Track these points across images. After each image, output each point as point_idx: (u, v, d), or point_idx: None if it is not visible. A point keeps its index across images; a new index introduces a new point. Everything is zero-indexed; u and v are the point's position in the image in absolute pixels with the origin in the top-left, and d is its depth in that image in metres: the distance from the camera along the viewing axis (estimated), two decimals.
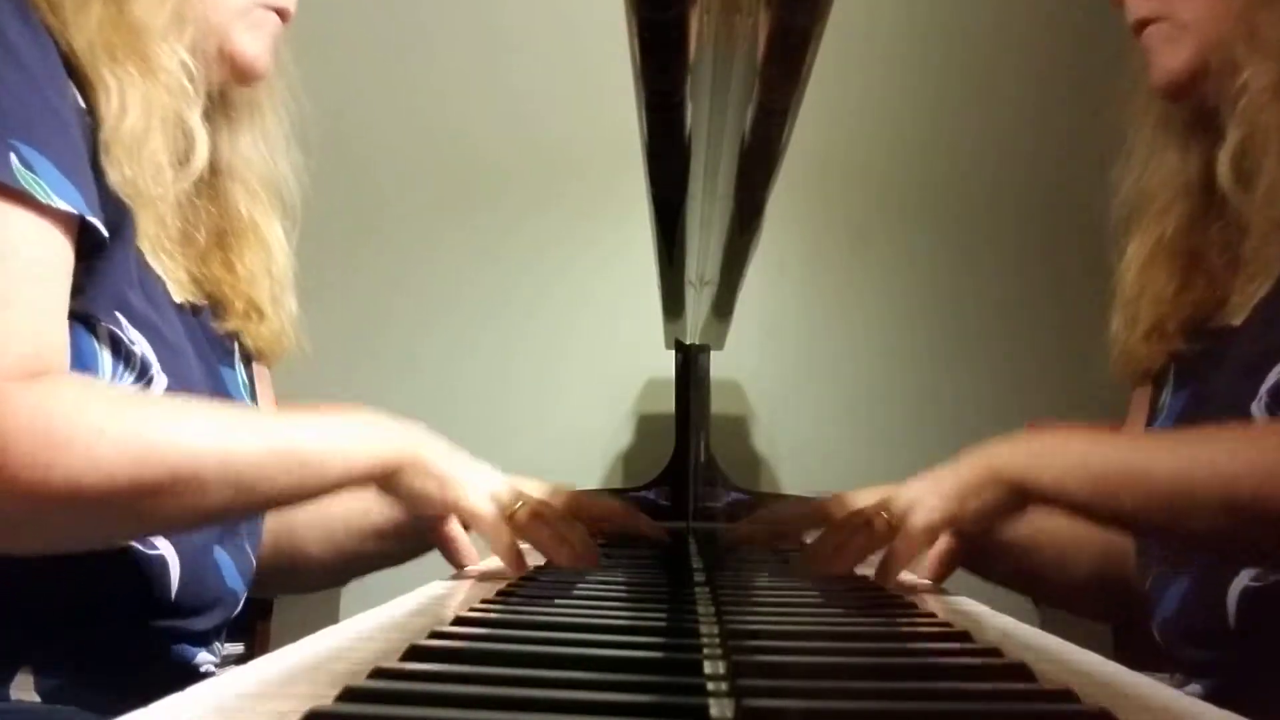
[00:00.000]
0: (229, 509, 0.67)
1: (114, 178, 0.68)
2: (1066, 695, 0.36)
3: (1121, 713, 0.33)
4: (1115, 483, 0.68)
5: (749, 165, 0.65)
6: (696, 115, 0.58)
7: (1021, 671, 0.40)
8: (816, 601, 0.64)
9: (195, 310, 0.83)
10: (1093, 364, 1.86)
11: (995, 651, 0.44)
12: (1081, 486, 0.69)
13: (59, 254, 0.64)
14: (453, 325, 1.92)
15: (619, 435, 1.88)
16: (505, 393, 1.89)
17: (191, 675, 0.77)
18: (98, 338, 0.68)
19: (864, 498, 0.93)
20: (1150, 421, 0.91)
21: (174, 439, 0.62)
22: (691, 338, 1.40)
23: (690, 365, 1.49)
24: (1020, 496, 0.72)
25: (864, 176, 1.93)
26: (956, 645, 0.48)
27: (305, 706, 0.31)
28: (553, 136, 1.93)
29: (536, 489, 0.92)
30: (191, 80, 0.76)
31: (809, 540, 0.88)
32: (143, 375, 0.70)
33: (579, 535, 0.80)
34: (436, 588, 0.70)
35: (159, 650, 0.75)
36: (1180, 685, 0.81)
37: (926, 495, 0.75)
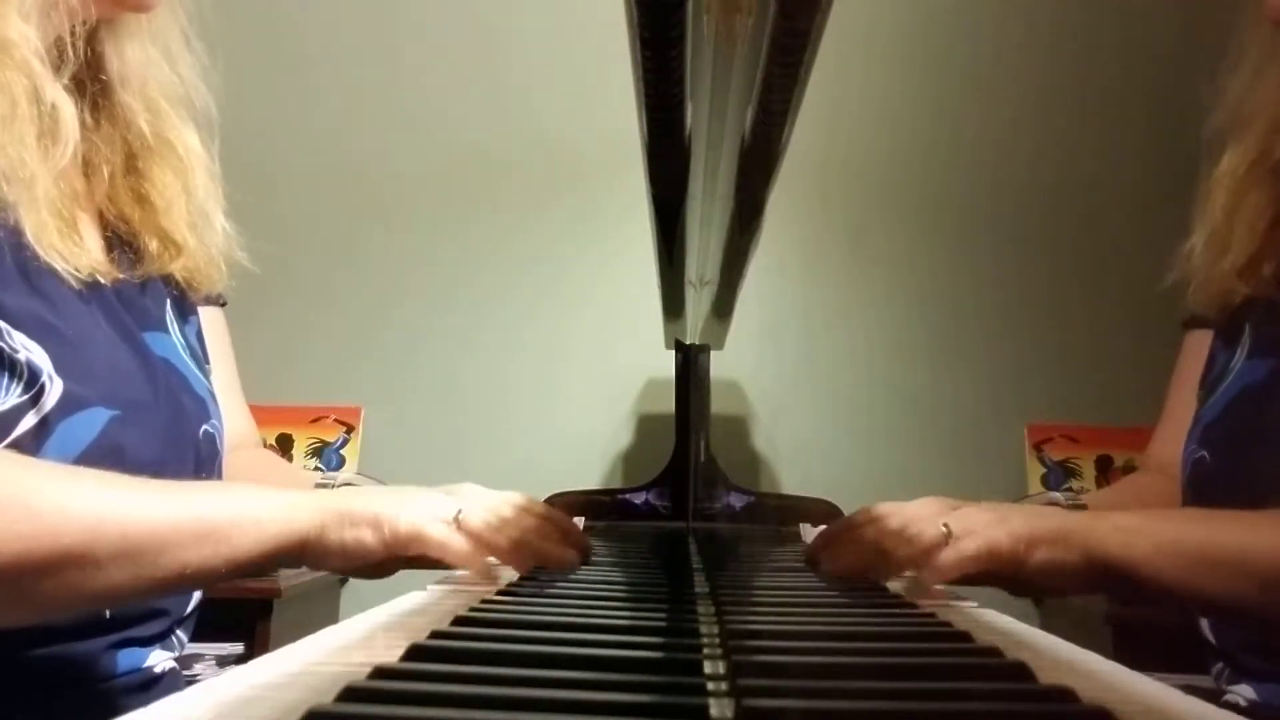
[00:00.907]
0: (128, 587, 0.58)
1: None
2: (1066, 695, 0.36)
3: (1121, 713, 0.33)
4: (1211, 562, 0.64)
5: (749, 165, 0.65)
6: (696, 115, 0.58)
7: (1021, 671, 0.40)
8: (816, 601, 0.64)
9: (117, 279, 0.76)
10: (1092, 364, 1.87)
11: (995, 651, 0.44)
12: (1175, 566, 0.65)
13: None
14: (453, 326, 1.92)
15: (619, 435, 1.88)
16: (505, 393, 1.89)
17: (146, 678, 0.73)
18: None
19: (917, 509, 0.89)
20: (1213, 379, 0.87)
21: (63, 510, 0.55)
22: (691, 338, 1.40)
23: (690, 365, 1.49)
24: (1099, 571, 0.67)
25: (864, 176, 1.93)
26: (956, 645, 0.48)
27: (305, 705, 0.31)
28: (553, 136, 1.94)
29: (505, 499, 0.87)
30: (38, 55, 0.67)
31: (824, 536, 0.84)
32: (33, 385, 0.63)
33: (535, 537, 0.74)
34: (435, 589, 0.70)
35: (101, 661, 0.70)
36: (1229, 683, 0.80)
37: (992, 525, 0.70)
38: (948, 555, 0.69)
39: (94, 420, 0.67)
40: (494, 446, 1.87)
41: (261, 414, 1.05)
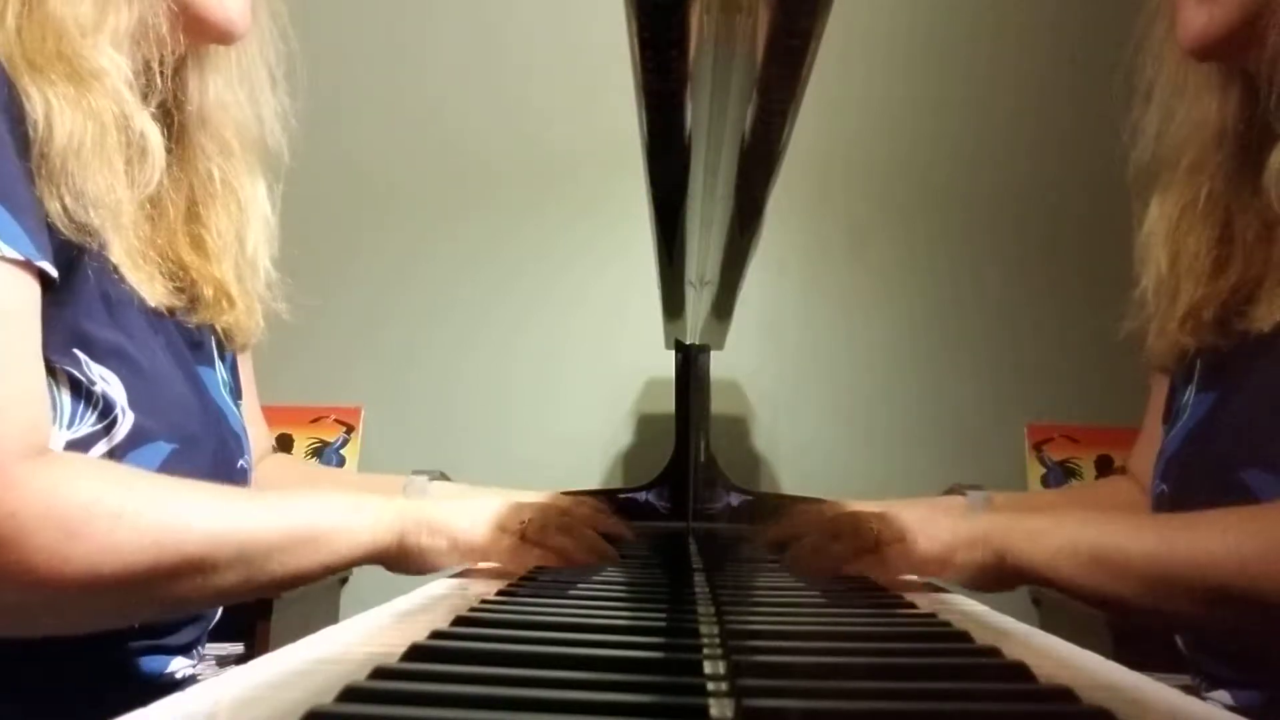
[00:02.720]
0: (238, 589, 0.64)
1: (52, 208, 0.62)
2: (1066, 695, 0.36)
3: (1121, 713, 0.33)
4: (1100, 564, 0.68)
5: (749, 165, 0.65)
6: (696, 115, 0.58)
7: (1021, 671, 0.40)
8: (816, 601, 0.64)
9: (172, 311, 0.78)
10: (1092, 364, 1.87)
11: (995, 651, 0.44)
12: (1071, 567, 0.70)
13: (27, 306, 0.59)
14: (453, 326, 1.92)
15: (619, 435, 1.88)
16: (505, 393, 1.89)
17: (165, 685, 0.74)
18: (55, 382, 0.63)
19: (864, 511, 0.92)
20: (1172, 420, 0.88)
21: (188, 521, 0.60)
22: (691, 338, 1.40)
23: (690, 365, 1.49)
24: (1011, 570, 0.73)
25: (864, 176, 1.93)
26: (956, 645, 0.48)
27: (305, 706, 0.31)
28: (553, 136, 1.94)
29: (530, 498, 0.92)
30: (129, 83, 0.68)
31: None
32: (106, 415, 0.65)
33: (590, 536, 0.80)
34: (437, 588, 0.70)
35: (126, 666, 0.72)
36: (1205, 691, 0.80)
37: (921, 532, 0.75)
38: (880, 569, 0.75)
39: (156, 454, 0.69)
40: (494, 446, 1.87)
41: (262, 414, 1.06)
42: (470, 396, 1.90)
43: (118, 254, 0.69)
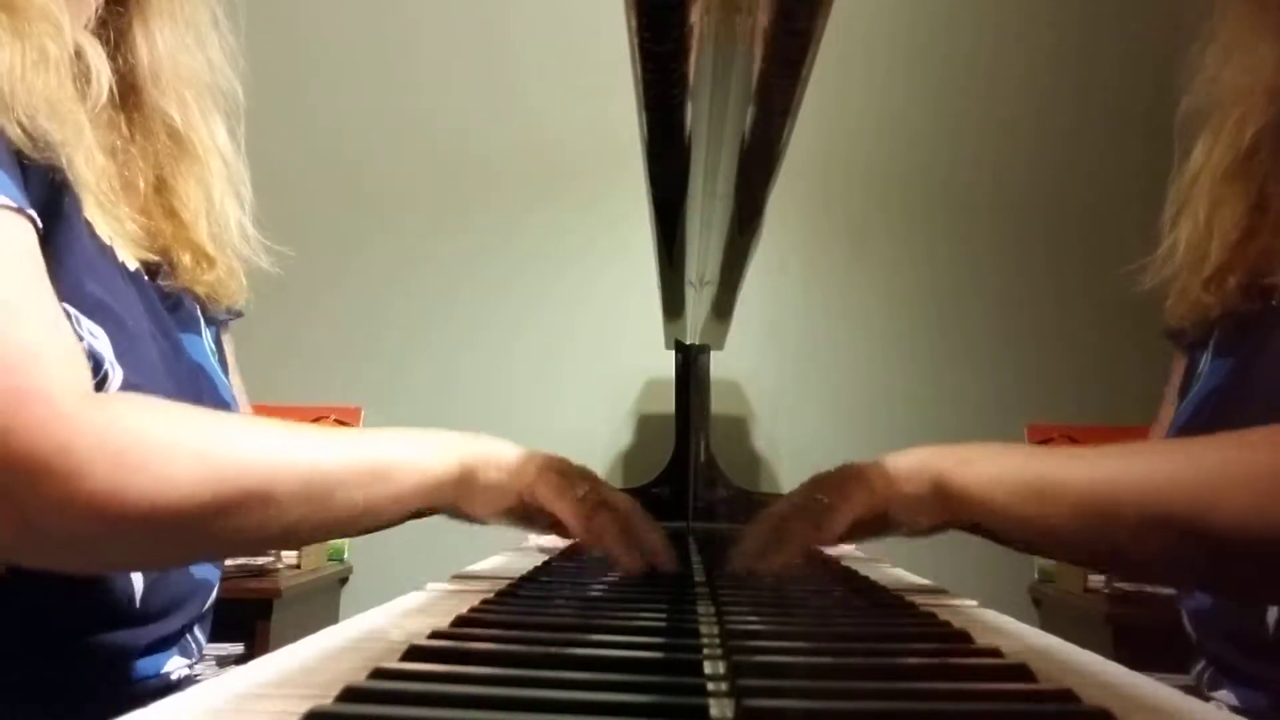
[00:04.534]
0: (302, 525, 0.62)
1: (13, 134, 0.60)
2: (1066, 695, 0.36)
3: (1121, 713, 0.33)
4: (1036, 492, 0.64)
5: (749, 165, 0.65)
6: (696, 115, 0.58)
7: (1021, 671, 0.40)
8: (816, 602, 0.64)
9: (151, 273, 0.76)
10: (1092, 364, 1.87)
11: (995, 652, 0.44)
12: (1006, 496, 0.65)
13: (34, 251, 0.59)
14: (453, 326, 1.92)
15: (619, 435, 1.88)
16: (505, 393, 1.89)
17: (162, 684, 0.73)
18: None
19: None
20: (1187, 386, 0.86)
21: (244, 452, 0.59)
22: (691, 338, 1.40)
23: (690, 365, 1.49)
24: (950, 502, 0.68)
25: (864, 176, 1.93)
26: (956, 645, 0.48)
27: (305, 707, 0.31)
28: (553, 137, 1.94)
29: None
30: (59, 4, 0.66)
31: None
32: (97, 370, 0.64)
33: (659, 533, 0.74)
34: (436, 589, 0.70)
35: (119, 666, 0.70)
36: (1210, 688, 0.79)
37: (856, 481, 0.71)
38: (825, 532, 0.70)
39: None
40: None
41: (261, 414, 1.05)
42: (470, 396, 1.90)
43: (91, 179, 0.68)
